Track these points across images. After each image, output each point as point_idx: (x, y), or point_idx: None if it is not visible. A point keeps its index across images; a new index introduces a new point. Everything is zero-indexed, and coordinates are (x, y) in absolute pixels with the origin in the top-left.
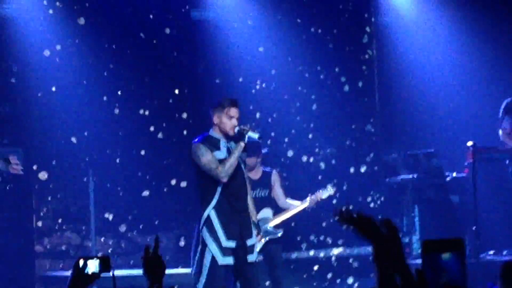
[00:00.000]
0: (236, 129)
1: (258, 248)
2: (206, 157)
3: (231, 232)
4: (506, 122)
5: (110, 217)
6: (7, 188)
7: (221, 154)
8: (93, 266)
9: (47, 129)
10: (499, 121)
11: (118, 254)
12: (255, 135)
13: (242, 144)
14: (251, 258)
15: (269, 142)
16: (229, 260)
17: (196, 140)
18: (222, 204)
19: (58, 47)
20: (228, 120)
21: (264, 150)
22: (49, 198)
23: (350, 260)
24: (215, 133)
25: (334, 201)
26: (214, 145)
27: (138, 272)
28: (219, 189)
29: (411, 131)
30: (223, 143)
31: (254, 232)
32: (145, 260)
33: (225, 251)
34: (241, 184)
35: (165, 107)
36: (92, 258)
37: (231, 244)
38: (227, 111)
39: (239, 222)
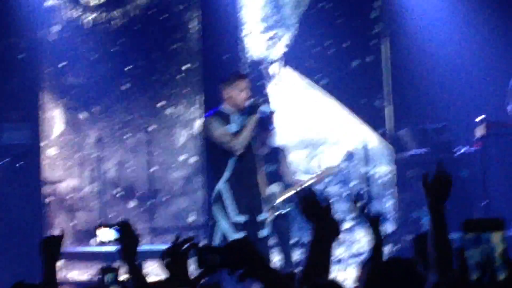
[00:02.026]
0: (249, 102)
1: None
2: (219, 130)
3: (241, 207)
4: None
5: (118, 193)
6: (16, 166)
7: (233, 128)
8: (109, 235)
9: (54, 105)
10: (508, 97)
11: None
12: (268, 109)
13: (255, 117)
14: (262, 233)
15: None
16: (240, 236)
17: (207, 114)
18: (233, 178)
19: (66, 23)
20: (239, 93)
21: (270, 127)
22: (58, 175)
23: (358, 237)
24: (226, 108)
25: (342, 178)
26: (225, 119)
27: (146, 247)
28: (230, 164)
29: (421, 106)
30: (234, 117)
31: (265, 207)
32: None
33: (235, 227)
34: (251, 159)
35: (173, 83)
36: (110, 226)
37: (241, 218)
38: (237, 85)
39: (250, 197)
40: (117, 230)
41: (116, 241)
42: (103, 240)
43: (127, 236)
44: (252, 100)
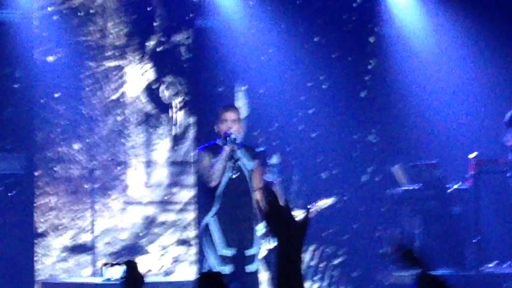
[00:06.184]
0: (225, 133)
1: (260, 257)
2: (202, 163)
3: (230, 240)
4: (509, 134)
5: (112, 224)
6: (9, 194)
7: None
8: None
9: (49, 135)
10: (504, 129)
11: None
12: (233, 137)
13: (226, 148)
14: (251, 268)
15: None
16: (225, 270)
17: (200, 148)
18: (221, 212)
19: (62, 53)
20: (221, 124)
21: (261, 148)
22: (51, 204)
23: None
24: (219, 140)
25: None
26: (217, 152)
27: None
28: (218, 197)
29: (414, 142)
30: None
31: (259, 241)
32: None
33: (222, 260)
34: (242, 192)
35: (167, 115)
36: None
37: (228, 252)
38: (222, 116)
39: (239, 231)
40: (124, 269)
41: (122, 279)
42: (110, 278)
43: (133, 275)
44: (229, 131)
